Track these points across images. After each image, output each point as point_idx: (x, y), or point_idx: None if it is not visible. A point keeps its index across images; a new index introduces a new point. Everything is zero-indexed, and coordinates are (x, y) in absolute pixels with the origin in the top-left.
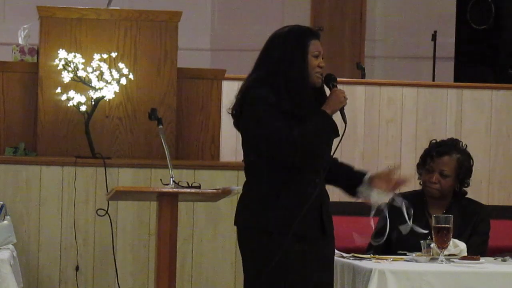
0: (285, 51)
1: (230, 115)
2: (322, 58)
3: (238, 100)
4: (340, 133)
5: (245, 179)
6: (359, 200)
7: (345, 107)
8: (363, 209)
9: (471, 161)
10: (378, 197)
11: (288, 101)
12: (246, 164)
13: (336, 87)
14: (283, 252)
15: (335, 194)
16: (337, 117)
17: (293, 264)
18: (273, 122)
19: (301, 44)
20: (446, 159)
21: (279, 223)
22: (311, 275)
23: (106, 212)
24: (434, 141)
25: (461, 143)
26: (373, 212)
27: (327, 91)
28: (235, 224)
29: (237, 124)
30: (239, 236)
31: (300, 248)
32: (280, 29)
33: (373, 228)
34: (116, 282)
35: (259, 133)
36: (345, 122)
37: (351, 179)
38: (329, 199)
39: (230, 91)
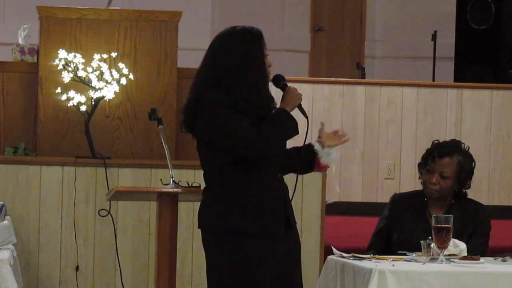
0: (246, 52)
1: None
2: None
3: (192, 103)
4: (303, 128)
5: None
6: (320, 167)
7: (302, 103)
8: (363, 209)
9: (473, 163)
10: (336, 154)
11: (245, 101)
12: (206, 168)
13: (287, 85)
14: (255, 253)
15: (335, 194)
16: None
17: (265, 264)
18: (238, 123)
19: (260, 45)
20: (447, 160)
21: (248, 223)
22: (281, 272)
23: (108, 212)
24: (436, 141)
25: (463, 145)
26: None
27: None
28: (199, 227)
29: (187, 126)
30: (206, 238)
31: (269, 247)
32: (230, 29)
33: None
34: (120, 281)
35: (225, 134)
36: (306, 117)
37: (306, 155)
38: (288, 192)
39: None
